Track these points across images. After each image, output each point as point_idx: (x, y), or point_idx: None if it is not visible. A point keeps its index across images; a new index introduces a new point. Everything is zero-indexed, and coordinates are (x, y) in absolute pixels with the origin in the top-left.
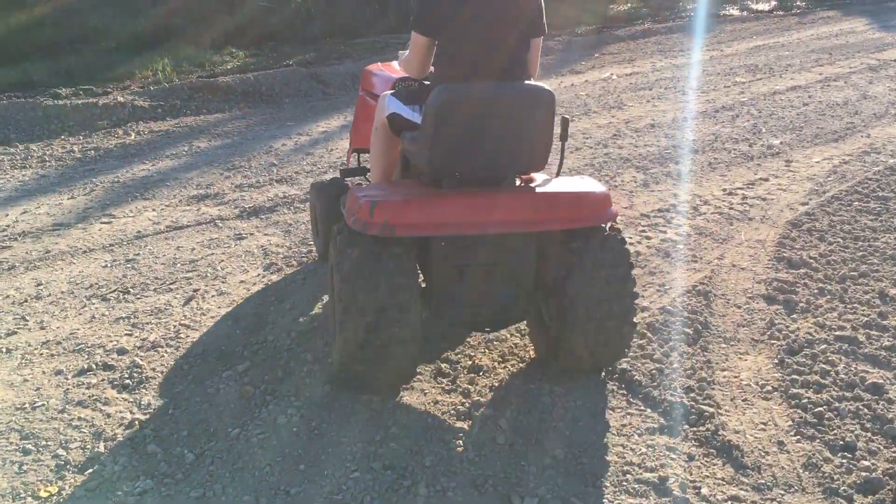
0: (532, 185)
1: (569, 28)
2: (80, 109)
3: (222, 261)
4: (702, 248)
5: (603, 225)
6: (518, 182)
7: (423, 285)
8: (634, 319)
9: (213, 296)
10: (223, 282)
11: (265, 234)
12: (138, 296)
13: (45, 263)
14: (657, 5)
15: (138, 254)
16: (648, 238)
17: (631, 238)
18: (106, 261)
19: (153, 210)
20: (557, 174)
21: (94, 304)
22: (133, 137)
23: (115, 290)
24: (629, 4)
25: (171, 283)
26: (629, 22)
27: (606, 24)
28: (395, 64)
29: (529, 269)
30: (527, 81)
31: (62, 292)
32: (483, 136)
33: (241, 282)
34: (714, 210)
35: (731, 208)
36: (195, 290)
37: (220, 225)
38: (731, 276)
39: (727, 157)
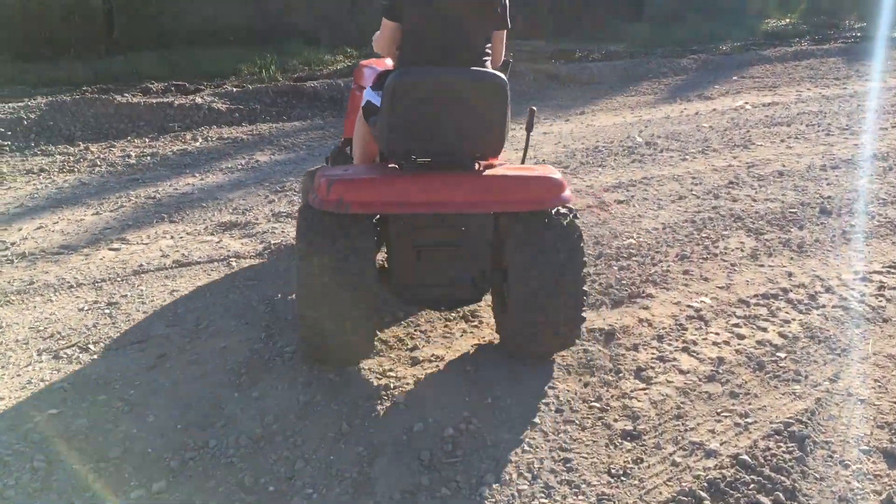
0: (489, 169)
1: (711, 44)
2: (153, 110)
3: (212, 317)
4: (810, 362)
5: (557, 209)
6: (477, 167)
7: (386, 265)
8: (583, 303)
9: (181, 365)
10: (202, 345)
11: (279, 285)
12: (95, 355)
13: (21, 298)
14: (819, 23)
15: (126, 296)
16: (740, 337)
17: (717, 335)
18: (86, 302)
19: (171, 238)
20: (522, 162)
21: (40, 362)
22: (198, 144)
23: (73, 346)
24: (788, 19)
25: (141, 342)
26: (782, 40)
27: (754, 42)
28: (388, 60)
29: (486, 251)
30: (484, 69)
31: (16, 341)
32: (436, 119)
33: (223, 348)
34: (838, 302)
35: (861, 302)
36: (162, 355)
37: (234, 265)
38: (845, 413)
39: (868, 226)
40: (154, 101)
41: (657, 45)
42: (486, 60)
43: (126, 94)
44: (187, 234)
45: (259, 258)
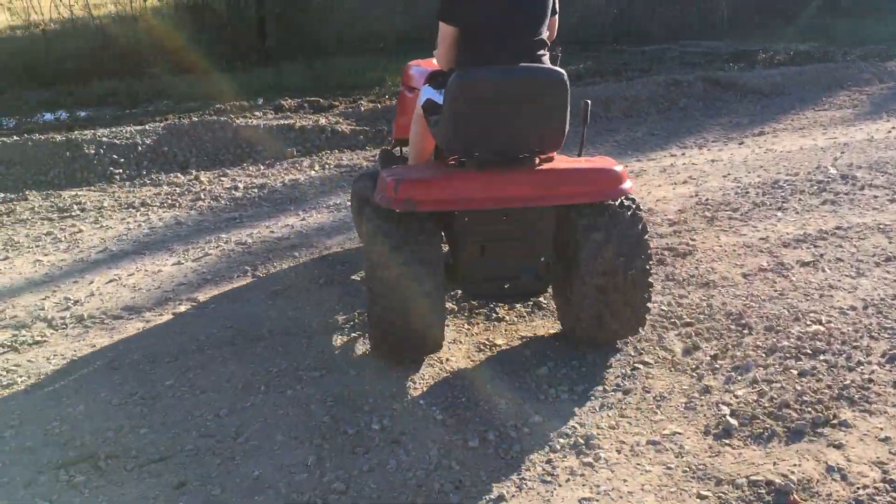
0: (551, 163)
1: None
2: (273, 133)
3: (257, 424)
4: None
5: (617, 200)
6: (537, 161)
7: (450, 261)
8: (650, 292)
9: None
10: (232, 470)
11: (349, 377)
12: (103, 477)
13: (52, 382)
14: None
15: (170, 384)
16: None
17: None
18: (121, 393)
19: (246, 300)
20: (579, 155)
21: (37, 485)
22: (313, 172)
23: (84, 460)
24: None
25: (164, 459)
26: None
27: None
28: (434, 60)
29: (548, 244)
30: (543, 64)
31: (24, 448)
32: (498, 116)
33: (255, 479)
34: None
35: None
36: (181, 485)
37: (304, 344)
38: None
39: None
40: (275, 123)
41: (857, 43)
42: (542, 54)
43: (253, 115)
44: (265, 295)
45: (338, 333)
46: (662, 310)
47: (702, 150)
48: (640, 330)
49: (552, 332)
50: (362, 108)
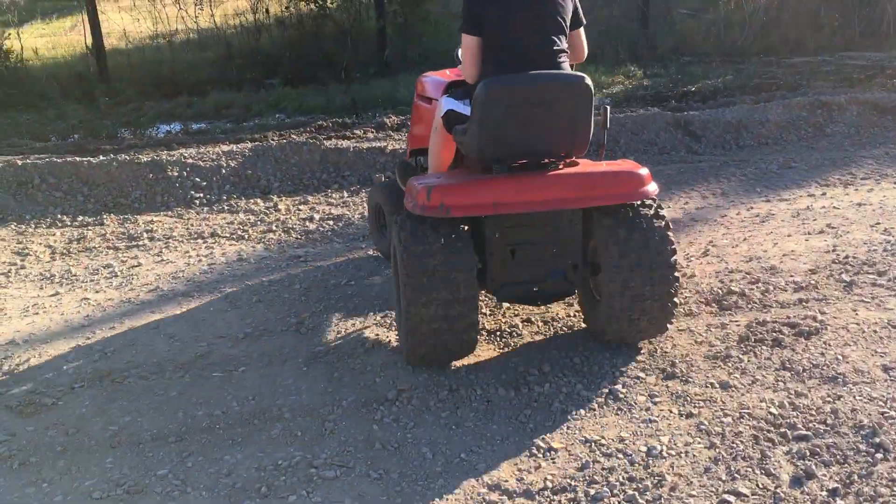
0: (576, 167)
1: None
2: (362, 157)
3: None
4: None
5: (650, 198)
6: (562, 165)
7: (479, 265)
8: (676, 287)
9: None
10: None
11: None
12: None
13: (20, 470)
14: None
15: (139, 496)
16: None
17: None
18: (90, 497)
19: (274, 365)
20: (600, 158)
21: None
22: None
23: None
24: None
25: None
26: None
27: None
28: (447, 71)
29: (576, 246)
30: (568, 71)
31: None
32: (525, 123)
33: None
34: None
35: None
36: None
37: (327, 426)
38: None
39: None
40: (365, 146)
41: None
42: (563, 61)
43: (353, 133)
44: (302, 359)
45: (368, 414)
46: (771, 413)
47: (847, 189)
48: (668, 327)
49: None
50: None
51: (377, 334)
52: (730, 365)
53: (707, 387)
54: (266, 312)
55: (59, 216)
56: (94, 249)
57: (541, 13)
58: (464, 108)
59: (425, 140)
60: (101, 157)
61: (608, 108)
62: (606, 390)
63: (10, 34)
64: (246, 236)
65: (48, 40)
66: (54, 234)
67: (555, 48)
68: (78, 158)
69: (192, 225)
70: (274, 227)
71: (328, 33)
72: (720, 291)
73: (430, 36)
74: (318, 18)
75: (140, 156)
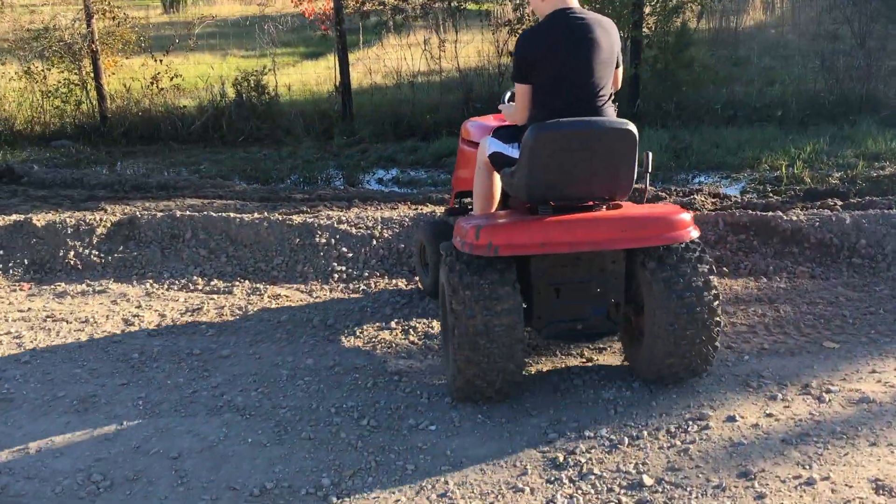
0: (620, 209)
1: None
2: None
3: None
4: None
5: (690, 241)
6: (605, 208)
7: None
8: (717, 331)
9: None
10: None
11: None
12: None
13: None
14: None
15: None
16: None
17: None
18: None
19: None
20: (644, 201)
21: None
22: None
23: None
24: None
25: None
26: None
27: None
28: (491, 117)
29: (619, 285)
30: (612, 116)
31: None
32: (572, 167)
33: None
34: None
35: None
36: None
37: None
38: None
39: None
40: None
41: None
42: (609, 105)
43: None
44: None
45: None
46: None
47: None
48: (708, 368)
49: None
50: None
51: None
52: None
53: None
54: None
55: (194, 278)
56: (200, 331)
57: (589, 61)
58: (510, 151)
59: (470, 182)
60: (255, 216)
61: (650, 155)
62: None
63: (268, 69)
64: (354, 333)
65: (301, 77)
66: (178, 300)
67: (601, 93)
68: (233, 215)
69: (315, 307)
70: (412, 322)
71: None
72: None
73: (690, 86)
74: None
75: (293, 217)
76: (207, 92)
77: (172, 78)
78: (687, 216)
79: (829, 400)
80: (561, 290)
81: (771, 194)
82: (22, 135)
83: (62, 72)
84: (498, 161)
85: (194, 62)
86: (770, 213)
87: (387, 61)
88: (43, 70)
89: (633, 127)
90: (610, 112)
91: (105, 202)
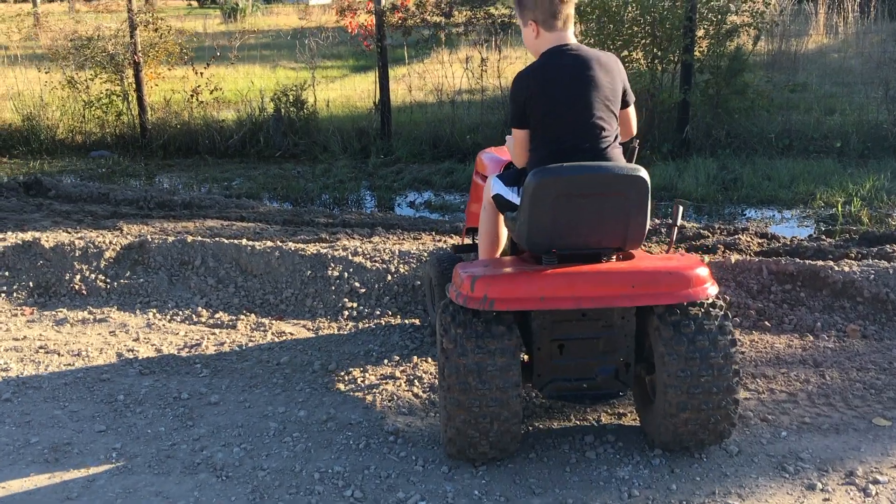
0: (631, 261)
1: None
2: None
3: None
4: None
5: (705, 299)
6: (616, 258)
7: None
8: (737, 397)
9: None
10: None
11: None
12: None
13: None
14: None
15: None
16: None
17: None
18: None
19: None
20: (667, 251)
21: None
22: None
23: None
24: None
25: None
26: None
27: None
28: (507, 146)
29: (629, 343)
30: (620, 160)
31: None
32: (577, 214)
33: None
34: None
35: None
36: None
37: None
38: None
39: None
40: None
41: None
42: (615, 147)
43: None
44: None
45: None
46: None
47: None
48: (725, 438)
49: None
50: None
51: None
52: None
53: None
54: None
55: (199, 309)
56: (194, 371)
57: (588, 101)
58: (510, 195)
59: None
60: (267, 245)
61: (680, 206)
62: None
63: (307, 84)
64: (372, 383)
65: (344, 92)
66: (178, 333)
67: (603, 135)
68: (245, 242)
69: (315, 348)
70: (419, 371)
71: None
72: None
73: (743, 114)
74: None
75: (306, 247)
76: (247, 106)
77: (212, 91)
78: (704, 271)
79: (877, 493)
80: (565, 347)
81: (824, 237)
82: (63, 144)
83: (104, 82)
84: (501, 203)
85: (244, 73)
86: (820, 263)
87: (429, 78)
88: (86, 80)
89: (644, 173)
90: (616, 155)
91: (126, 220)
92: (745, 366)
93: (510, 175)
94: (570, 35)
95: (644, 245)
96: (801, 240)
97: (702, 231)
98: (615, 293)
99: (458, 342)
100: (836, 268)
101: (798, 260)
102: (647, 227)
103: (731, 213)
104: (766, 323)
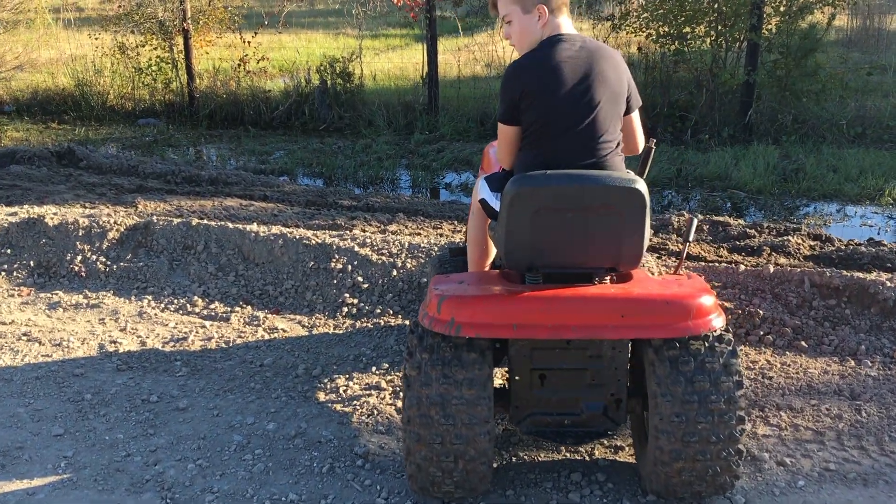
0: (625, 284)
1: None
2: None
3: None
4: None
5: (707, 333)
6: (609, 280)
7: (505, 386)
8: (740, 447)
9: None
10: None
11: None
12: None
13: None
14: None
15: None
16: None
17: None
18: None
19: None
20: (676, 271)
21: None
22: None
23: None
24: None
25: None
26: None
27: None
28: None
29: (620, 377)
30: (620, 169)
31: None
32: (562, 228)
33: None
34: None
35: None
36: None
37: None
38: None
39: None
40: None
41: None
42: (615, 155)
43: None
44: None
45: None
46: None
47: None
48: (726, 490)
49: None
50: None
51: None
52: None
53: None
54: None
55: (195, 298)
56: (172, 370)
57: (590, 99)
58: (493, 201)
59: None
60: (272, 231)
61: (694, 220)
62: None
63: (355, 56)
64: (354, 393)
65: (398, 63)
66: (168, 324)
67: (603, 139)
68: (250, 228)
69: (308, 351)
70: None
71: (681, 80)
72: None
73: (812, 98)
74: (671, 63)
75: (313, 235)
76: (294, 77)
77: (259, 60)
78: (709, 300)
79: None
80: (546, 377)
81: (884, 242)
82: (114, 110)
83: (154, 49)
84: (487, 209)
85: (305, 40)
86: (870, 277)
87: (479, 53)
88: (136, 46)
89: (642, 185)
90: (617, 163)
91: (147, 195)
92: (770, 394)
93: (497, 178)
94: (570, 23)
95: (657, 257)
96: (859, 244)
97: (748, 230)
98: (601, 323)
99: (422, 369)
100: (889, 283)
101: (846, 273)
102: (647, 244)
103: (788, 206)
104: (803, 343)
